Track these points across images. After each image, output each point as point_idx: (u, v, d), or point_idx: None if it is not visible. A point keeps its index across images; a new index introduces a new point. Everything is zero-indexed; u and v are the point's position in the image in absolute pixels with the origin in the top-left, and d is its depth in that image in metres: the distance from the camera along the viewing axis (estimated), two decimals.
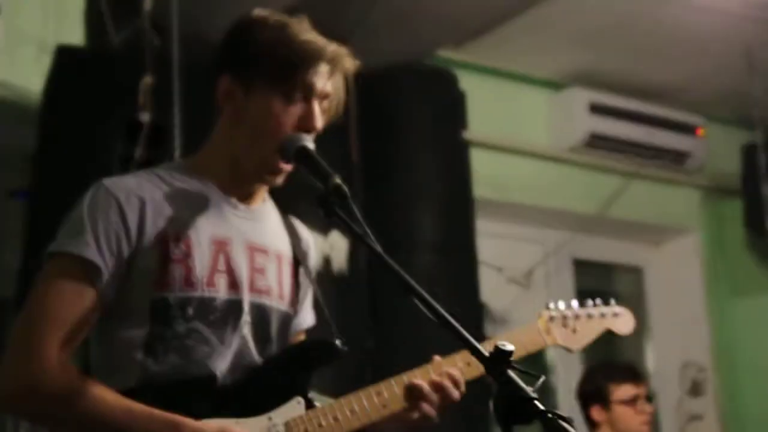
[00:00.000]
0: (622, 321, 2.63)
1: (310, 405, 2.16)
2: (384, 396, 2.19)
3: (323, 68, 2.15)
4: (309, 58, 2.14)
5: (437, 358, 2.27)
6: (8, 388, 2.04)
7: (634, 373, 4.43)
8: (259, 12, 2.21)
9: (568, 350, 2.53)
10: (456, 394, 2.21)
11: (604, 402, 4.38)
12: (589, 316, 2.55)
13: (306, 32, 2.17)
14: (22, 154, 3.78)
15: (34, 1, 3.92)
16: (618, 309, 2.62)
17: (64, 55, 3.46)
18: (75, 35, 3.80)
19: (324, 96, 2.17)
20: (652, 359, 6.00)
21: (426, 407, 2.19)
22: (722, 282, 6.00)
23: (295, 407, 2.14)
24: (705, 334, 5.88)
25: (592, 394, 4.44)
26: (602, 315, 2.58)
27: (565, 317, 2.50)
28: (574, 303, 2.55)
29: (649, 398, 4.41)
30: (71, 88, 3.43)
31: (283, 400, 2.14)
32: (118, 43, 3.56)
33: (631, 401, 4.33)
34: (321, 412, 2.15)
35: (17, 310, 2.17)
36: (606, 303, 2.62)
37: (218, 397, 2.08)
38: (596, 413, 4.39)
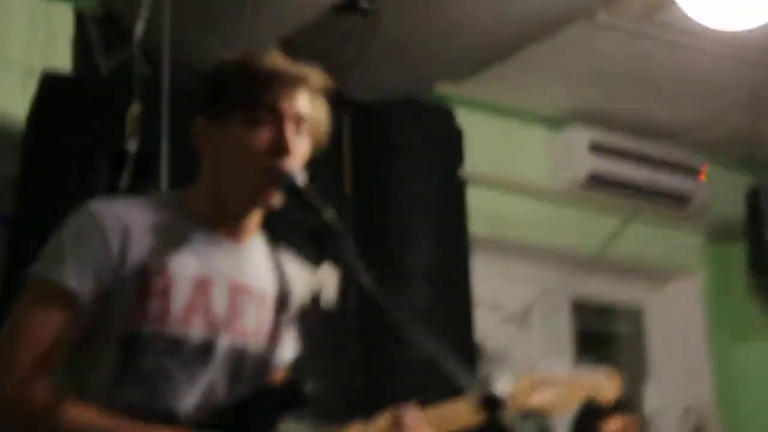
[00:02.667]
0: (607, 387, 2.63)
1: None
2: None
3: (288, 88, 2.13)
4: (269, 79, 2.13)
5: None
6: None
7: (621, 405, 4.40)
8: (232, 54, 2.22)
9: (550, 415, 2.58)
10: None
11: None
12: (573, 382, 2.57)
13: (271, 59, 2.16)
14: (3, 181, 3.73)
15: (21, 25, 3.88)
16: (603, 375, 2.63)
17: (50, 81, 3.42)
18: (63, 61, 3.77)
19: (297, 119, 2.14)
20: (652, 403, 5.92)
21: None
22: (725, 325, 5.95)
23: None
24: (707, 379, 5.83)
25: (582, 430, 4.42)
26: (586, 381, 2.60)
27: (548, 381, 2.51)
28: (560, 366, 2.58)
29: (642, 428, 4.43)
30: (56, 114, 3.39)
31: None
32: (107, 70, 3.52)
33: None
34: None
35: None
36: (595, 363, 2.74)
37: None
38: None
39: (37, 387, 2.00)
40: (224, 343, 2.13)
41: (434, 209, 4.46)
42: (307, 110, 2.16)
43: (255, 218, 2.23)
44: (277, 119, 2.12)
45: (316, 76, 2.18)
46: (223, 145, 2.14)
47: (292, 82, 2.14)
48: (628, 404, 4.51)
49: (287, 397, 2.16)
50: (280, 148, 2.10)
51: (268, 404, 2.15)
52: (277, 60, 2.17)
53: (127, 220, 2.09)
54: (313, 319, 3.82)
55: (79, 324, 2.05)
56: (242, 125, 2.12)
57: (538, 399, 2.45)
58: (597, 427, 4.33)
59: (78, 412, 2.00)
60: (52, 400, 2.01)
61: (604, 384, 2.61)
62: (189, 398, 2.09)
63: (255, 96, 2.12)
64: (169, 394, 2.07)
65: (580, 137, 5.40)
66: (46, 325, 2.03)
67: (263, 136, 2.11)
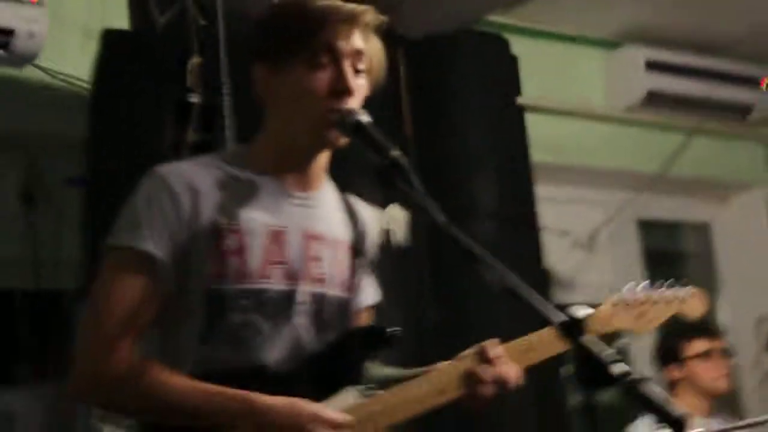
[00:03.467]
0: (691, 304, 2.58)
1: (363, 395, 2.14)
2: (441, 381, 2.16)
3: (343, 27, 2.12)
4: (323, 19, 2.11)
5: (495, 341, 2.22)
6: (82, 380, 2.10)
7: (707, 329, 4.43)
8: None
9: (634, 334, 2.51)
10: (513, 383, 2.18)
11: (679, 360, 4.39)
12: (656, 302, 2.51)
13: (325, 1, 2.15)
14: (74, 142, 3.80)
15: None
16: (686, 292, 2.57)
17: (110, 40, 3.44)
18: (120, 20, 3.78)
19: (355, 55, 2.13)
20: (725, 316, 5.92)
21: (480, 391, 2.15)
22: None
23: (348, 396, 2.13)
24: None
25: (666, 354, 4.47)
26: (669, 300, 2.54)
27: (631, 301, 2.47)
28: (641, 287, 2.51)
29: (726, 352, 4.41)
30: (119, 73, 3.41)
31: (336, 390, 2.13)
32: (163, 25, 3.53)
33: (705, 355, 4.33)
34: (377, 399, 2.13)
35: (78, 301, 2.19)
36: (675, 286, 2.57)
37: (270, 386, 2.06)
38: (673, 372, 4.43)
39: (124, 354, 2.05)
40: (304, 291, 2.16)
41: (495, 139, 4.44)
42: (364, 46, 2.15)
43: (321, 164, 2.24)
44: (335, 59, 2.11)
45: (369, 12, 2.16)
46: (283, 90, 2.14)
47: (346, 20, 2.12)
48: (712, 326, 4.49)
49: (371, 340, 2.19)
50: (342, 89, 2.10)
51: (354, 349, 2.18)
52: (329, 1, 2.15)
53: (196, 181, 2.11)
54: (384, 258, 3.89)
55: (161, 287, 2.08)
56: (301, 68, 2.11)
57: (621, 321, 2.44)
58: (680, 347, 4.37)
59: (163, 379, 2.04)
60: (138, 367, 2.05)
61: (688, 303, 2.57)
62: (277, 350, 2.12)
63: (311, 37, 2.10)
64: (257, 348, 2.10)
65: (635, 56, 5.36)
66: (129, 292, 2.06)
67: (323, 77, 2.11)
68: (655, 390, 1.42)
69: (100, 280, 2.11)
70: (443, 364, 2.21)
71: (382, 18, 2.18)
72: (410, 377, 2.19)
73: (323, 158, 2.23)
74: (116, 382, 2.05)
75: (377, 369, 2.29)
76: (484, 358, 2.17)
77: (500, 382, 2.15)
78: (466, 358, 2.19)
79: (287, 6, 2.18)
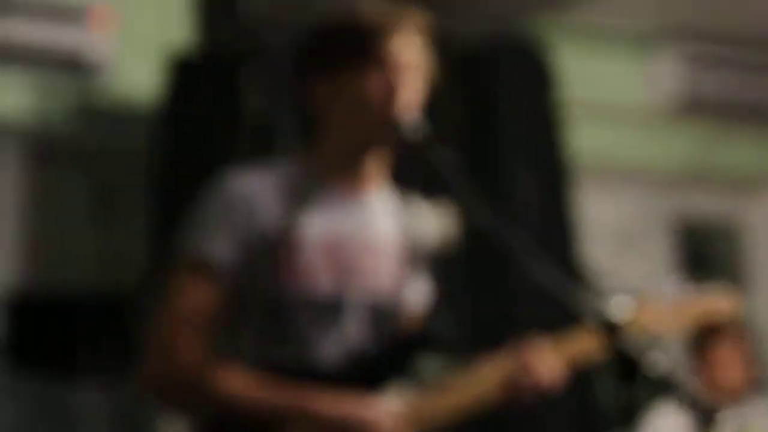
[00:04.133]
0: (721, 305, 2.58)
1: (413, 392, 2.20)
2: (487, 382, 2.21)
3: (395, 36, 2.16)
4: (375, 28, 2.15)
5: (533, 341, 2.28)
6: (152, 378, 2.19)
7: (738, 329, 4.42)
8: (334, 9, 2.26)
9: (664, 334, 2.52)
10: (554, 384, 2.23)
11: (701, 359, 4.42)
12: (688, 302, 2.52)
13: (369, 7, 2.19)
14: (134, 156, 3.98)
15: (148, 8, 4.06)
16: (718, 291, 2.59)
17: (179, 65, 3.57)
18: (180, 38, 3.95)
19: (407, 65, 2.18)
20: (758, 315, 5.93)
21: (523, 390, 2.22)
22: None
23: (397, 397, 2.21)
24: None
25: (689, 350, 4.48)
26: (701, 299, 2.55)
27: (662, 302, 2.48)
28: (672, 288, 2.54)
29: (748, 352, 4.43)
30: (186, 96, 3.54)
31: (389, 388, 2.20)
32: (223, 46, 3.66)
33: (725, 355, 4.37)
34: (427, 399, 2.20)
35: (143, 304, 2.29)
36: (703, 284, 2.64)
37: (324, 386, 2.14)
38: (695, 370, 4.43)
39: (193, 355, 2.12)
40: (356, 296, 2.20)
41: (537, 140, 4.56)
42: (415, 55, 2.19)
43: (377, 168, 2.26)
44: (388, 69, 2.15)
45: (418, 19, 2.19)
46: (338, 101, 2.19)
47: (398, 29, 2.16)
48: (744, 327, 4.46)
49: (422, 342, 2.27)
50: (394, 98, 2.14)
51: (405, 351, 2.26)
52: (379, 9, 2.19)
53: (256, 189, 2.18)
54: (439, 259, 3.99)
55: (228, 293, 2.15)
56: (354, 78, 2.15)
57: (654, 321, 2.44)
58: (712, 349, 4.37)
59: (233, 381, 2.11)
60: (209, 371, 2.12)
61: (720, 303, 2.56)
62: (331, 352, 2.17)
63: (363, 47, 2.14)
64: (313, 350, 2.16)
65: (675, 53, 5.39)
66: (197, 295, 2.13)
67: (376, 86, 2.15)
68: (689, 382, 1.51)
69: (170, 284, 2.20)
70: (486, 367, 2.25)
71: (431, 21, 2.22)
72: (460, 380, 2.25)
73: (381, 160, 2.26)
74: (185, 382, 2.13)
75: (429, 364, 2.38)
76: (522, 363, 2.22)
77: (536, 389, 2.21)
78: (507, 359, 2.25)
79: (341, 17, 2.21)
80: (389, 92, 2.15)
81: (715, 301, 2.57)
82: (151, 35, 4.02)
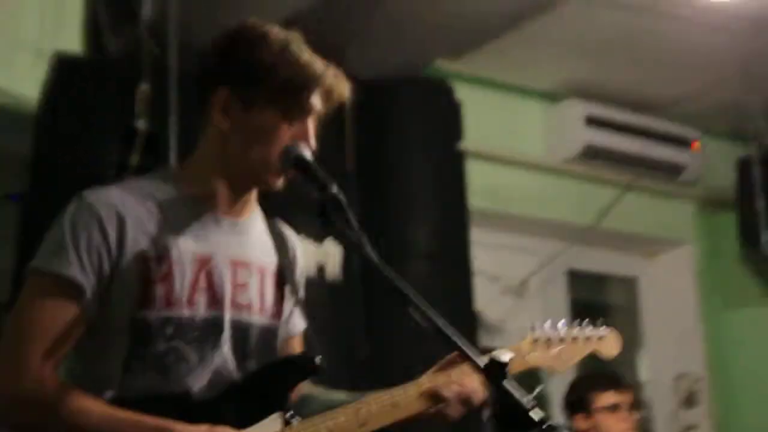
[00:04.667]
0: (607, 344, 2.62)
1: (287, 422, 2.15)
2: (364, 412, 2.18)
3: (324, 94, 2.19)
4: (310, 82, 2.17)
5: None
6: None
7: (616, 381, 4.43)
8: (256, 24, 2.21)
9: (551, 372, 2.53)
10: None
11: (587, 411, 4.42)
12: (574, 339, 2.55)
13: (305, 53, 2.19)
14: (17, 159, 3.78)
15: (32, 7, 3.90)
16: (604, 332, 2.62)
17: (61, 63, 3.46)
18: (73, 42, 3.79)
19: (317, 115, 2.20)
20: (646, 370, 5.99)
21: (449, 410, 2.23)
22: (716, 294, 6.01)
23: (272, 424, 2.14)
24: (699, 345, 5.89)
25: (575, 403, 4.48)
26: (587, 338, 2.58)
27: (549, 339, 2.50)
28: (561, 324, 2.55)
29: (636, 406, 4.42)
30: (68, 95, 3.43)
31: (260, 417, 2.13)
32: (116, 51, 3.56)
33: (613, 409, 4.36)
34: (298, 428, 2.14)
35: (6, 314, 2.17)
36: (594, 324, 2.62)
37: (194, 413, 2.06)
38: (580, 422, 4.44)
39: (47, 381, 2.03)
40: (230, 318, 2.17)
41: (434, 183, 4.51)
42: (326, 107, 2.22)
43: (253, 195, 2.27)
44: (306, 118, 2.17)
45: (345, 84, 2.22)
46: (245, 125, 2.16)
47: (327, 88, 2.19)
48: (621, 378, 4.49)
49: (299, 367, 2.21)
50: (305, 143, 2.15)
51: (280, 376, 2.19)
52: (310, 57, 2.19)
53: (123, 208, 2.12)
54: (317, 291, 3.92)
55: (85, 314, 2.07)
56: (273, 116, 2.15)
57: (539, 357, 2.48)
58: (589, 398, 4.37)
59: (83, 405, 2.02)
60: (62, 393, 2.03)
61: (604, 342, 2.61)
62: (201, 377, 2.12)
63: (294, 96, 2.15)
64: (182, 376, 2.10)
65: (575, 111, 5.47)
66: (53, 318, 2.05)
67: (291, 130, 2.15)
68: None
69: (21, 303, 2.09)
70: (370, 397, 2.22)
71: (352, 88, 2.24)
72: (335, 409, 2.19)
73: (256, 190, 2.27)
74: (34, 405, 2.03)
75: (323, 393, 2.33)
76: (448, 377, 2.24)
77: (465, 398, 2.22)
78: (393, 394, 2.22)
79: (273, 47, 2.17)
80: (300, 139, 2.15)
81: (602, 340, 2.60)
82: (35, 36, 3.86)
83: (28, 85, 3.83)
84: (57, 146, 3.41)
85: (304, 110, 2.16)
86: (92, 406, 2.03)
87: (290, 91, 2.15)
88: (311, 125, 2.18)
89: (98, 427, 2.01)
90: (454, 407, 2.23)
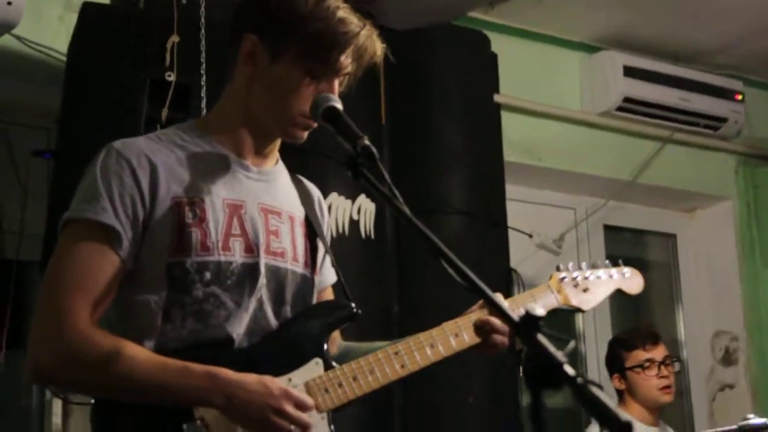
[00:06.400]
0: (631, 281, 2.68)
1: (328, 366, 2.16)
2: (401, 356, 2.21)
3: (352, 51, 2.15)
4: (342, 40, 2.13)
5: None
6: (45, 358, 2.04)
7: (646, 338, 4.39)
8: None
9: (579, 310, 2.58)
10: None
11: (621, 370, 4.39)
12: (599, 277, 2.61)
13: (342, 9, 2.15)
14: (47, 114, 3.75)
15: None
16: (627, 270, 2.67)
17: (89, 13, 3.40)
18: None
19: (346, 74, 2.18)
20: (683, 327, 5.93)
21: (498, 338, 2.30)
22: (757, 250, 5.90)
23: (313, 368, 2.15)
24: (737, 303, 5.81)
25: (611, 363, 4.50)
26: (611, 276, 2.64)
27: (575, 278, 2.56)
28: (585, 264, 2.62)
29: (669, 362, 4.36)
30: (97, 47, 3.37)
31: (302, 362, 2.15)
32: (144, 1, 3.51)
33: (643, 366, 4.31)
34: (340, 372, 2.16)
35: (43, 273, 2.17)
36: (615, 264, 2.68)
37: (236, 359, 2.07)
38: (617, 382, 4.43)
39: (84, 326, 2.01)
40: (265, 264, 2.16)
41: (469, 136, 4.45)
42: (355, 69, 2.19)
43: (276, 144, 2.27)
44: (333, 77, 2.14)
45: (378, 44, 2.19)
46: (271, 76, 2.15)
47: (359, 47, 2.15)
48: (651, 334, 4.46)
49: (335, 313, 2.24)
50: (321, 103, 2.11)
51: (317, 322, 2.21)
52: (346, 13, 2.15)
53: (153, 156, 2.11)
54: (351, 247, 3.89)
55: (123, 261, 2.06)
56: (301, 71, 2.12)
57: (566, 297, 2.53)
58: (621, 357, 4.39)
59: (128, 352, 2.00)
60: (100, 339, 2.01)
61: (628, 280, 2.66)
62: (240, 324, 2.12)
63: (326, 54, 2.12)
64: (222, 321, 2.10)
65: (613, 62, 5.37)
66: (92, 265, 2.04)
67: (315, 87, 2.12)
68: (602, 395, 1.42)
69: (58, 253, 2.08)
70: (404, 341, 2.26)
71: (385, 47, 2.21)
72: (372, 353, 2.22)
73: (279, 139, 2.27)
74: (81, 360, 2.00)
75: (352, 344, 2.35)
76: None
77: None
78: (426, 335, 2.28)
79: (312, 6, 2.14)
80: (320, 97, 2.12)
81: (626, 277, 2.66)
82: None
83: (56, 37, 3.82)
84: (85, 99, 3.36)
85: (333, 69, 2.14)
86: (138, 355, 2.01)
87: (321, 47, 2.12)
88: (337, 85, 2.15)
89: (145, 374, 2.00)
90: (499, 338, 2.29)
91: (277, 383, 2.03)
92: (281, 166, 2.32)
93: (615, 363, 4.44)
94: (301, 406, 2.04)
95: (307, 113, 2.13)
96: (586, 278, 2.58)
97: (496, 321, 2.28)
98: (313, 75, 2.13)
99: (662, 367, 4.34)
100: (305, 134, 2.19)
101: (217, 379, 1.99)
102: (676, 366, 4.45)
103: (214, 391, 1.99)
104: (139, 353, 2.02)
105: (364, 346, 2.30)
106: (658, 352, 4.36)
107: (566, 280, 2.55)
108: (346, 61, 2.15)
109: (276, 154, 2.29)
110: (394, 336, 4.00)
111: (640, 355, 4.35)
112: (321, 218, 2.36)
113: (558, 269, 2.57)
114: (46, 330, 2.04)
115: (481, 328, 2.30)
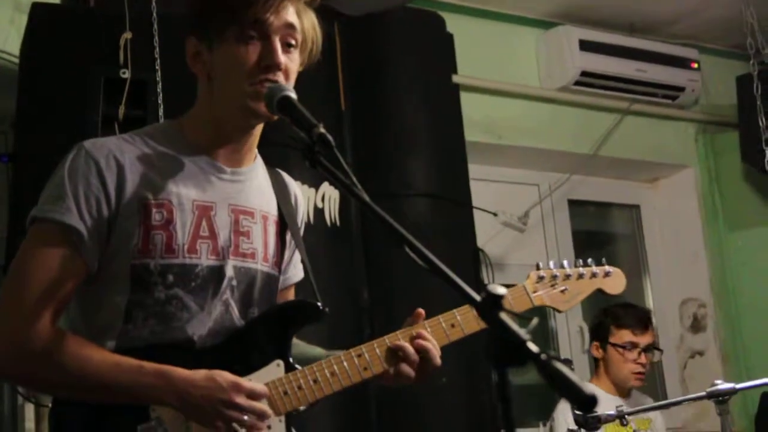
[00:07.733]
0: (613, 281, 2.61)
1: (290, 368, 2.17)
2: (365, 358, 2.20)
3: (275, 2, 2.12)
4: None
5: (421, 312, 2.29)
6: (3, 356, 2.05)
7: (638, 322, 4.42)
8: None
9: (556, 310, 2.54)
10: (437, 360, 2.25)
11: (603, 341, 4.43)
12: (580, 276, 2.54)
13: None
14: (3, 118, 3.72)
15: None
16: (609, 269, 2.61)
17: (39, 14, 3.37)
18: None
19: (285, 29, 2.14)
20: (651, 297, 5.97)
21: (405, 368, 2.23)
22: (720, 216, 5.95)
23: (274, 370, 2.15)
24: (704, 270, 5.85)
25: (595, 330, 4.55)
26: (593, 275, 2.57)
27: (554, 277, 2.49)
28: (566, 262, 2.55)
29: (650, 350, 4.40)
30: (49, 47, 3.35)
31: (263, 363, 2.15)
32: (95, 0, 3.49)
33: (625, 348, 4.35)
34: (300, 374, 2.16)
35: (4, 276, 2.16)
36: (598, 263, 2.61)
37: (196, 360, 2.07)
38: (595, 350, 4.48)
39: (44, 326, 2.02)
40: (232, 266, 2.16)
41: (430, 118, 4.46)
42: (295, 20, 2.16)
43: (253, 140, 2.25)
44: (264, 33, 2.12)
45: None
46: (215, 64, 2.15)
47: None
48: (647, 319, 4.49)
49: (301, 314, 2.23)
50: (269, 63, 2.11)
51: (281, 323, 2.21)
52: None
53: (122, 156, 2.11)
54: (316, 236, 3.89)
55: (84, 261, 2.07)
56: (232, 42, 2.12)
57: (544, 295, 2.47)
58: (608, 330, 4.43)
59: (84, 353, 2.03)
60: (60, 339, 2.03)
61: (609, 280, 2.60)
62: (202, 326, 2.13)
63: (240, 11, 2.11)
64: (183, 323, 2.11)
65: (569, 36, 5.37)
66: (50, 264, 2.04)
67: (253, 51, 2.11)
68: (566, 370, 1.43)
69: (20, 252, 2.08)
70: (367, 344, 2.24)
71: None
72: (335, 355, 2.22)
73: (255, 133, 2.24)
74: (36, 355, 2.02)
75: (304, 347, 2.33)
76: (411, 337, 2.23)
77: (423, 354, 2.22)
78: (391, 337, 2.24)
79: None
80: (263, 58, 2.11)
81: (607, 277, 2.59)
82: None
83: (9, 41, 3.77)
84: (40, 101, 3.34)
85: (257, 25, 2.11)
86: (93, 353, 2.03)
87: (234, 10, 2.11)
88: (277, 42, 2.12)
89: (99, 372, 2.02)
90: (406, 369, 2.23)
91: (225, 376, 2.04)
92: (259, 163, 2.30)
93: (599, 332, 4.48)
94: (253, 395, 2.06)
95: (260, 80, 2.10)
96: (565, 277, 2.52)
97: (409, 348, 2.23)
98: (242, 39, 2.11)
99: (642, 354, 4.37)
100: (262, 105, 2.11)
101: (168, 377, 2.01)
102: (657, 355, 4.49)
103: (167, 389, 2.01)
104: (94, 352, 2.04)
105: (321, 353, 2.30)
106: (644, 339, 4.40)
107: (544, 279, 2.49)
108: (269, 13, 2.12)
109: (254, 152, 2.28)
110: (365, 323, 4.05)
111: (626, 336, 4.39)
112: (296, 214, 2.35)
113: (537, 267, 2.50)
114: (3, 324, 2.05)
115: (394, 353, 2.23)
